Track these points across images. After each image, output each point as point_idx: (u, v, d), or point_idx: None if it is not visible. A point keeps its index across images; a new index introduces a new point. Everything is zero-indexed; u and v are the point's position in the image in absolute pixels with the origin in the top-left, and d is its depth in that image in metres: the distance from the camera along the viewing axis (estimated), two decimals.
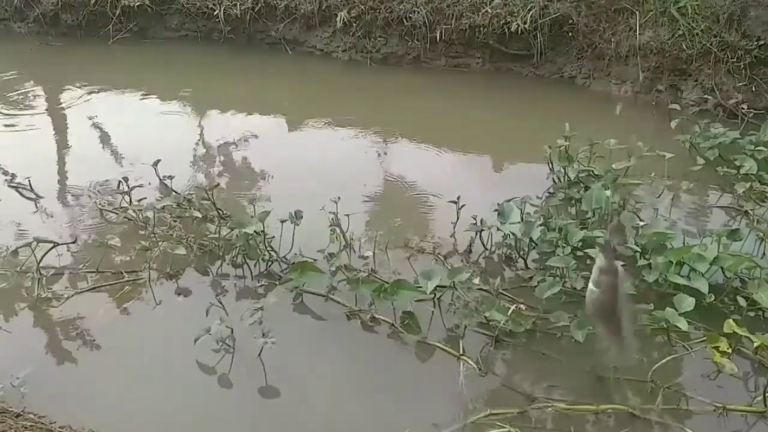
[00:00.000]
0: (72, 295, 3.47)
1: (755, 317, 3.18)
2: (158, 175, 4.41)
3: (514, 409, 2.73)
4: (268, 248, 3.69)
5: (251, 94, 6.46)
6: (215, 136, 5.46)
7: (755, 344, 2.89)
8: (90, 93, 6.49)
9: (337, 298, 3.40)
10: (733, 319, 2.99)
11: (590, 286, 2.55)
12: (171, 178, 4.34)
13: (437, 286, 3.23)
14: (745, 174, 4.34)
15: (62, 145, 5.42)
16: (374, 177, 4.77)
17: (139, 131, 5.54)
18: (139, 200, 4.12)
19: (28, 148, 5.31)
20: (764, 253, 3.63)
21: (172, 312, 3.40)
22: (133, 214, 4.06)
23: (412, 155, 5.16)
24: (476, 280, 3.28)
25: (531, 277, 3.48)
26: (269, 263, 3.70)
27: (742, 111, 5.11)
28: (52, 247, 3.60)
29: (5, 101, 6.17)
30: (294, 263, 3.54)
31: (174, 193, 4.28)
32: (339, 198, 3.80)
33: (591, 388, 2.88)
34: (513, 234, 3.64)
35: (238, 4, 7.25)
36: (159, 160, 4.40)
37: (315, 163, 4.96)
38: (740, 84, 5.53)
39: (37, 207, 4.36)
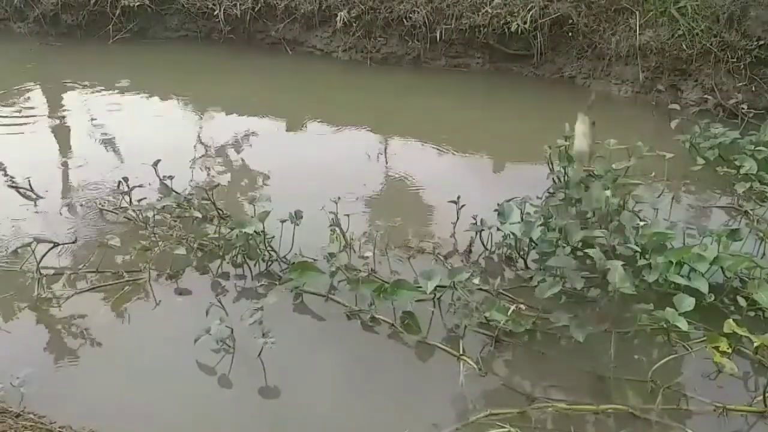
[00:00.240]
0: (72, 295, 3.47)
1: (755, 317, 3.18)
2: (158, 175, 4.41)
3: (514, 409, 2.73)
4: (268, 248, 3.69)
5: (251, 94, 6.46)
6: (215, 136, 5.46)
7: (755, 344, 2.88)
8: (90, 93, 6.50)
9: (337, 298, 3.40)
10: (733, 319, 2.99)
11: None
12: (171, 178, 4.34)
13: (437, 286, 3.23)
14: (745, 174, 4.34)
15: (62, 145, 5.42)
16: (374, 177, 4.78)
17: (139, 131, 5.54)
18: (139, 200, 4.13)
19: (28, 148, 5.31)
20: (764, 253, 3.63)
21: (172, 312, 3.40)
22: (133, 214, 4.06)
23: (412, 155, 5.16)
24: (476, 280, 3.27)
25: (531, 277, 3.48)
26: (269, 263, 3.70)
27: (742, 111, 5.11)
28: (52, 247, 3.60)
29: (5, 101, 6.18)
30: (294, 263, 3.54)
31: (174, 193, 4.28)
32: (339, 198, 3.80)
33: (591, 388, 2.88)
34: (513, 234, 3.64)
35: (238, 4, 7.25)
36: (159, 160, 4.41)
37: (315, 163, 4.96)
38: (740, 84, 5.54)
39: (37, 207, 4.36)
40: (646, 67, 5.95)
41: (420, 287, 3.26)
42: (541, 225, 3.64)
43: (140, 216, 4.02)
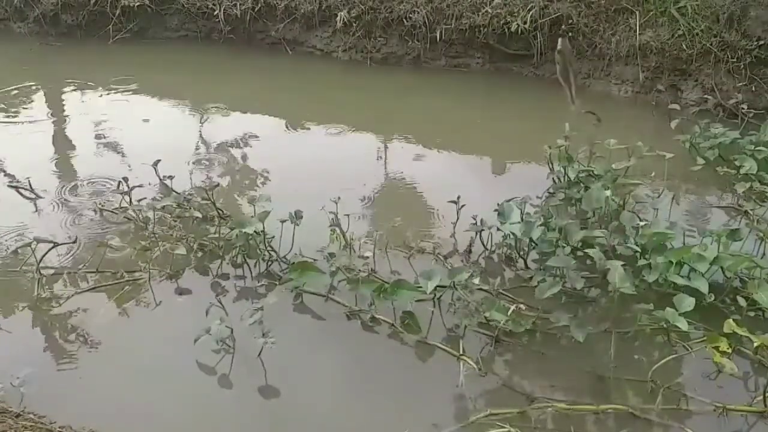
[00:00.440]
0: (72, 295, 3.47)
1: (755, 317, 3.18)
2: (158, 175, 4.41)
3: (514, 409, 2.73)
4: (268, 248, 3.69)
5: (251, 94, 6.46)
6: (215, 136, 5.47)
7: (755, 344, 2.89)
8: (90, 93, 6.50)
9: (337, 298, 3.40)
10: (733, 319, 2.99)
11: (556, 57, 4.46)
12: (171, 178, 4.34)
13: (437, 286, 3.23)
14: (745, 174, 4.34)
15: (62, 145, 5.42)
16: (374, 177, 4.78)
17: (139, 131, 5.54)
18: (139, 200, 4.13)
19: (28, 148, 5.31)
20: (764, 253, 3.63)
21: (172, 312, 3.40)
22: (133, 214, 4.06)
23: (412, 155, 5.16)
24: (476, 280, 3.27)
25: (531, 277, 3.48)
26: (269, 263, 3.70)
27: (742, 111, 5.11)
28: (52, 247, 3.60)
29: (5, 101, 6.18)
30: (294, 263, 3.54)
31: (174, 193, 4.28)
32: (339, 198, 3.80)
33: (591, 388, 2.88)
34: (513, 234, 3.64)
35: (238, 4, 7.25)
36: (159, 160, 4.41)
37: (315, 163, 4.96)
38: (740, 84, 5.53)
39: (37, 207, 4.36)
40: (646, 67, 5.95)
41: (420, 287, 3.26)
42: (541, 225, 3.64)
43: (140, 216, 4.02)
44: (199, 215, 4.02)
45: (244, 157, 5.10)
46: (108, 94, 6.46)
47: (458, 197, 3.85)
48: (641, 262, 3.36)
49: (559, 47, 4.37)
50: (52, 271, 3.59)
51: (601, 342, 3.05)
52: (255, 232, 3.60)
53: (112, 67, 7.14)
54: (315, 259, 3.61)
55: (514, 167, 5.05)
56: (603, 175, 4.15)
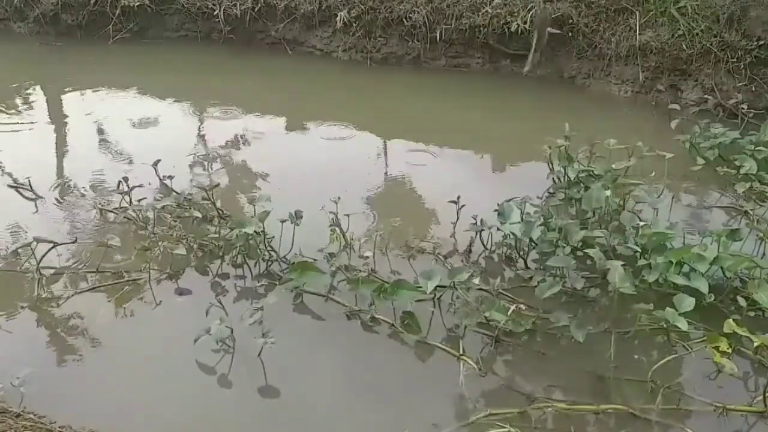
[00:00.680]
0: (72, 295, 3.47)
1: (755, 317, 3.19)
2: (158, 175, 4.41)
3: (514, 409, 2.74)
4: (268, 248, 3.69)
5: (251, 94, 6.46)
6: (215, 136, 5.46)
7: (755, 344, 2.89)
8: (90, 93, 6.50)
9: (337, 298, 3.40)
10: (733, 319, 2.99)
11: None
12: (171, 178, 4.34)
13: (437, 286, 3.24)
14: (745, 174, 4.34)
15: (62, 145, 5.42)
16: (374, 177, 4.77)
17: (139, 131, 5.54)
18: (139, 200, 4.13)
19: (28, 148, 5.31)
20: (764, 253, 3.63)
21: (172, 312, 3.41)
22: (133, 214, 4.06)
23: (411, 155, 5.16)
24: (476, 280, 3.27)
25: (531, 277, 3.48)
26: (269, 263, 3.70)
27: (742, 111, 5.11)
28: (52, 247, 3.60)
29: (5, 101, 6.17)
30: (294, 263, 3.54)
31: (174, 193, 4.28)
32: (339, 198, 3.80)
33: (591, 388, 2.88)
34: (513, 234, 3.64)
35: (238, 4, 7.25)
36: (159, 160, 4.41)
37: (315, 163, 4.96)
38: (740, 84, 5.54)
39: (37, 207, 4.36)
40: (646, 67, 5.95)
41: (420, 287, 3.26)
42: (541, 225, 3.64)
43: (140, 216, 4.02)
44: (199, 215, 4.02)
45: (244, 157, 5.10)
46: (108, 94, 6.46)
47: (458, 197, 3.85)
48: (641, 262, 3.36)
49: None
50: (52, 271, 3.59)
51: (601, 342, 3.05)
52: (255, 232, 3.59)
53: (112, 67, 7.14)
54: (315, 259, 3.61)
55: (514, 167, 5.05)
56: (603, 175, 4.15)
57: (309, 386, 2.92)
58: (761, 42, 5.48)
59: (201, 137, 5.53)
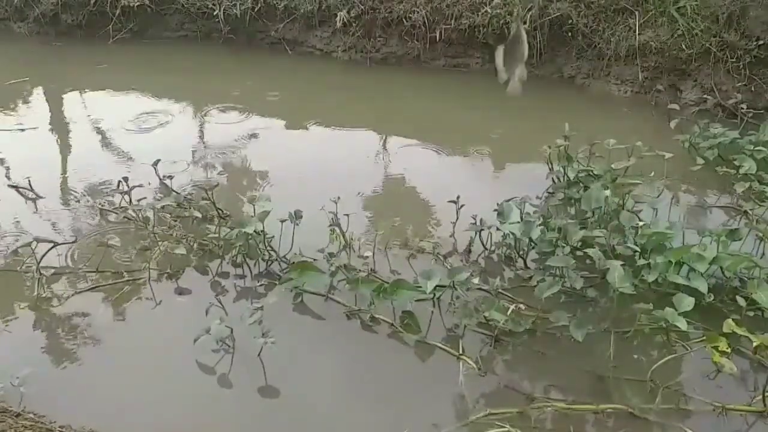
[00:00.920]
0: (72, 295, 3.48)
1: (755, 317, 3.18)
2: (158, 175, 4.41)
3: (514, 409, 2.74)
4: (268, 248, 3.70)
5: (251, 94, 6.46)
6: (215, 136, 5.46)
7: (754, 344, 2.89)
8: (89, 93, 6.50)
9: (336, 298, 3.40)
10: (733, 319, 2.99)
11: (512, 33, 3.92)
12: (171, 178, 4.34)
13: (437, 286, 3.24)
14: (745, 174, 4.34)
15: (62, 145, 5.43)
16: (374, 177, 4.78)
17: (139, 131, 5.54)
18: (139, 200, 4.13)
19: (28, 148, 5.31)
20: (763, 253, 3.63)
21: (172, 312, 3.41)
22: (133, 214, 4.07)
23: (412, 155, 5.16)
24: (476, 280, 3.28)
25: (530, 277, 3.49)
26: (269, 263, 3.70)
27: (742, 111, 5.10)
28: (52, 247, 3.60)
29: (5, 101, 6.17)
30: (294, 263, 3.54)
31: (174, 193, 4.28)
32: (339, 198, 3.81)
33: (591, 387, 2.89)
34: (513, 234, 3.64)
35: (238, 4, 7.24)
36: (159, 160, 4.41)
37: (315, 163, 4.96)
38: (740, 84, 5.53)
39: (37, 207, 4.36)
40: (645, 67, 5.94)
41: (420, 287, 3.26)
42: (540, 225, 3.64)
43: (140, 216, 4.02)
44: (199, 215, 4.02)
45: (244, 157, 5.10)
46: (107, 93, 6.46)
47: (458, 197, 3.85)
48: (641, 261, 3.36)
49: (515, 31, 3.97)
50: (52, 271, 3.59)
51: (600, 342, 3.06)
52: (255, 231, 3.60)
53: (111, 66, 7.14)
54: (315, 259, 3.61)
55: (513, 167, 5.05)
56: (602, 174, 4.15)
57: (309, 386, 2.92)
58: (761, 42, 5.47)
59: (201, 137, 5.53)
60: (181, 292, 3.53)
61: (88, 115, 5.88)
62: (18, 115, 5.97)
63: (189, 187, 4.49)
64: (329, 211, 3.78)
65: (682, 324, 2.95)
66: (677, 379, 2.92)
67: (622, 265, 3.13)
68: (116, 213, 4.18)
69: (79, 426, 2.66)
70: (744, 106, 5.12)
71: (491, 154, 5.18)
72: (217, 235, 3.76)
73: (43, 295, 3.46)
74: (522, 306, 3.11)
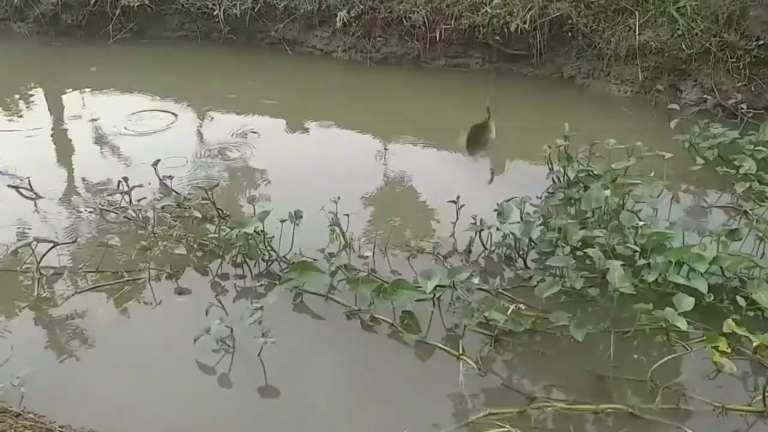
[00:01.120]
0: (72, 295, 3.48)
1: (754, 317, 3.19)
2: (158, 175, 4.42)
3: (514, 409, 2.74)
4: (268, 248, 3.70)
5: (251, 94, 6.46)
6: (215, 136, 5.46)
7: (754, 344, 2.89)
8: (89, 93, 6.50)
9: (336, 297, 3.40)
10: (733, 319, 2.99)
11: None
12: (171, 178, 4.34)
13: (437, 286, 3.24)
14: (745, 174, 4.34)
15: (62, 145, 5.43)
16: (374, 177, 4.78)
17: (139, 131, 5.54)
18: (139, 200, 4.13)
19: (28, 149, 5.31)
20: (763, 253, 3.63)
21: (172, 312, 3.41)
22: (133, 214, 4.07)
23: (411, 155, 5.16)
24: (476, 280, 3.28)
25: (530, 277, 3.49)
26: (269, 263, 3.70)
27: (742, 111, 5.11)
28: (52, 247, 3.60)
29: (5, 101, 6.18)
30: (294, 263, 3.54)
31: (174, 193, 4.28)
32: (339, 198, 3.81)
33: (591, 387, 2.89)
34: (513, 234, 3.64)
35: (238, 4, 7.25)
36: (159, 160, 4.41)
37: (315, 163, 4.96)
38: (740, 84, 5.53)
39: (37, 207, 4.36)
40: (645, 67, 5.94)
41: (420, 287, 3.26)
42: (540, 225, 3.65)
43: (140, 216, 4.02)
44: (199, 215, 4.02)
45: (244, 157, 5.10)
46: (108, 94, 6.46)
47: (458, 197, 3.85)
48: (641, 261, 3.36)
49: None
50: (52, 271, 3.59)
51: (600, 342, 3.06)
52: (255, 231, 3.60)
53: (111, 67, 7.15)
54: (315, 259, 3.61)
55: (514, 167, 5.05)
56: (602, 174, 4.15)
57: (309, 386, 2.92)
58: (761, 42, 5.47)
59: (201, 137, 5.53)
60: (181, 292, 3.53)
61: (88, 115, 5.88)
62: (17, 115, 5.96)
63: (189, 187, 4.49)
64: (329, 211, 3.79)
65: (682, 324, 2.95)
66: (677, 379, 2.92)
67: (622, 265, 3.13)
68: (116, 213, 4.18)
69: (79, 426, 2.66)
70: (744, 106, 5.12)
71: (491, 154, 5.18)
72: (217, 235, 3.76)
73: (43, 295, 3.46)
74: (522, 306, 3.11)
